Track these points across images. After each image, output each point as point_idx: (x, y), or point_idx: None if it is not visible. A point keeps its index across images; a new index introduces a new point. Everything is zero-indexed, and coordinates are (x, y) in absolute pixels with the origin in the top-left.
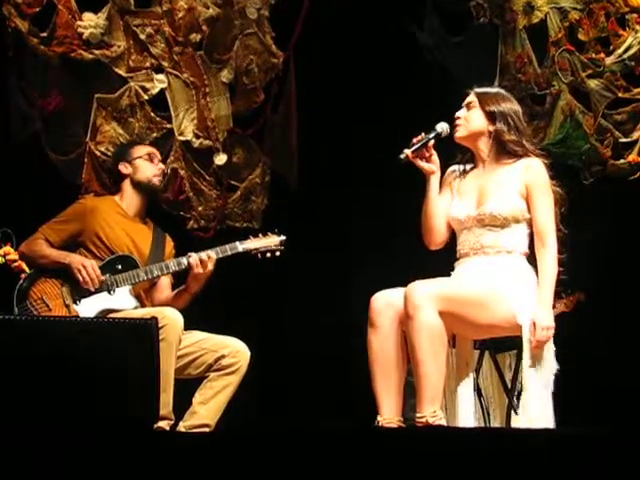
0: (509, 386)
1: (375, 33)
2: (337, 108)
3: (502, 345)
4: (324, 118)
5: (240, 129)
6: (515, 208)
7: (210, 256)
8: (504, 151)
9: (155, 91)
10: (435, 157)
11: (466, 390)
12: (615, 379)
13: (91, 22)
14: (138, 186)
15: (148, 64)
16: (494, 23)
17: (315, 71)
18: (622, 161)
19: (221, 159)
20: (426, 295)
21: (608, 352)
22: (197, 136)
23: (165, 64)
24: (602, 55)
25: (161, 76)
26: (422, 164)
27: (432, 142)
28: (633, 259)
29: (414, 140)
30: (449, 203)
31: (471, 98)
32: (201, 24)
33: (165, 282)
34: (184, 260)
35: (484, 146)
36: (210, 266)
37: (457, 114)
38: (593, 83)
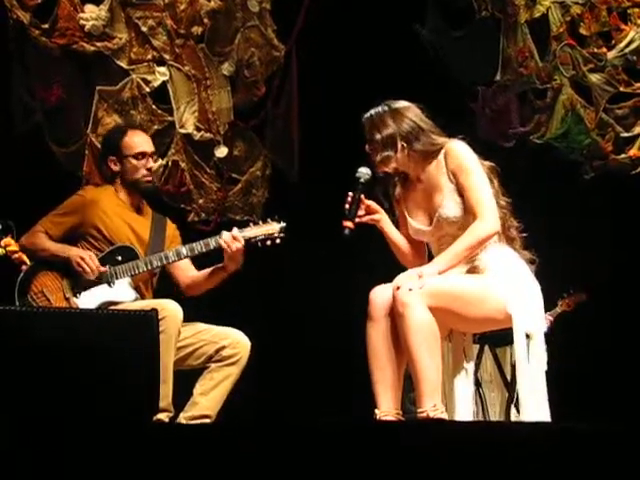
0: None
1: (377, 26)
2: (338, 101)
3: (502, 338)
4: (325, 111)
5: (241, 122)
6: (460, 202)
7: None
8: (425, 155)
9: (157, 83)
10: (372, 205)
11: (463, 383)
12: (615, 376)
13: (93, 14)
14: (128, 185)
15: (150, 56)
16: (496, 17)
17: (317, 64)
18: (623, 156)
19: (222, 152)
20: (414, 292)
21: (608, 348)
22: (198, 129)
23: (167, 57)
24: (604, 49)
25: (163, 68)
26: (365, 220)
27: (362, 195)
28: (633, 255)
29: (346, 206)
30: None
31: (367, 135)
32: (203, 17)
33: (186, 262)
34: (198, 245)
35: (407, 162)
36: (241, 240)
37: (367, 149)
38: (594, 77)
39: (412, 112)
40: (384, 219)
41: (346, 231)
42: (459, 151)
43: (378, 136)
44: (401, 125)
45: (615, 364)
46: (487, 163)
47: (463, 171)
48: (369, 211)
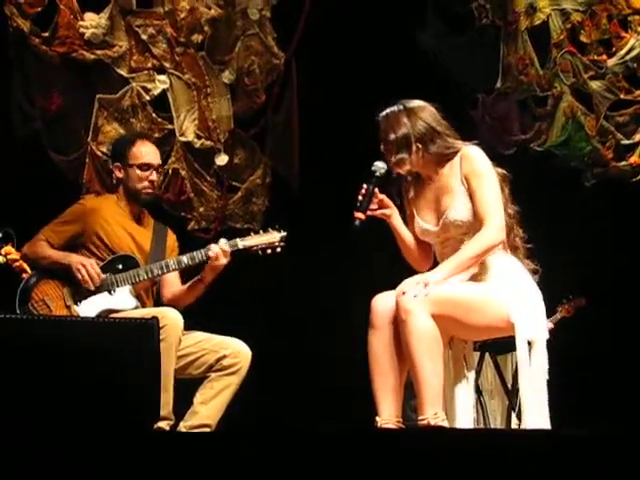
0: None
1: (377, 34)
2: (339, 109)
3: (502, 346)
4: (325, 118)
5: (241, 130)
6: (469, 207)
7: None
8: (439, 157)
9: (157, 92)
10: (385, 199)
11: (464, 391)
12: (615, 381)
13: (93, 22)
14: (129, 194)
15: (150, 65)
16: (496, 24)
17: (317, 71)
18: (624, 163)
19: (222, 160)
20: (417, 299)
21: (609, 352)
22: (198, 137)
23: (167, 65)
24: (604, 57)
25: (163, 77)
26: (377, 214)
27: (376, 188)
28: (633, 261)
29: (359, 197)
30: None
31: (382, 135)
32: (203, 25)
33: (172, 276)
34: (199, 254)
35: (422, 163)
36: (228, 256)
37: (382, 149)
38: (595, 85)
39: (427, 112)
40: (395, 215)
41: (357, 222)
42: (475, 156)
43: (392, 136)
44: (416, 125)
45: (616, 369)
46: (500, 170)
47: (476, 176)
48: (381, 205)
